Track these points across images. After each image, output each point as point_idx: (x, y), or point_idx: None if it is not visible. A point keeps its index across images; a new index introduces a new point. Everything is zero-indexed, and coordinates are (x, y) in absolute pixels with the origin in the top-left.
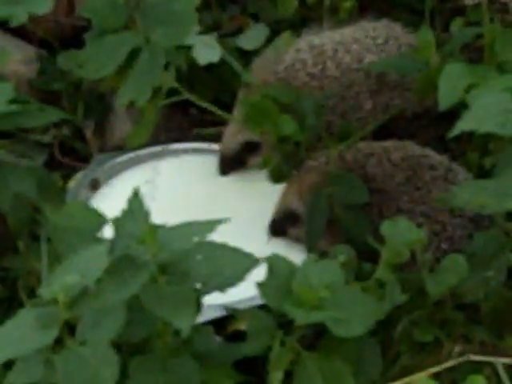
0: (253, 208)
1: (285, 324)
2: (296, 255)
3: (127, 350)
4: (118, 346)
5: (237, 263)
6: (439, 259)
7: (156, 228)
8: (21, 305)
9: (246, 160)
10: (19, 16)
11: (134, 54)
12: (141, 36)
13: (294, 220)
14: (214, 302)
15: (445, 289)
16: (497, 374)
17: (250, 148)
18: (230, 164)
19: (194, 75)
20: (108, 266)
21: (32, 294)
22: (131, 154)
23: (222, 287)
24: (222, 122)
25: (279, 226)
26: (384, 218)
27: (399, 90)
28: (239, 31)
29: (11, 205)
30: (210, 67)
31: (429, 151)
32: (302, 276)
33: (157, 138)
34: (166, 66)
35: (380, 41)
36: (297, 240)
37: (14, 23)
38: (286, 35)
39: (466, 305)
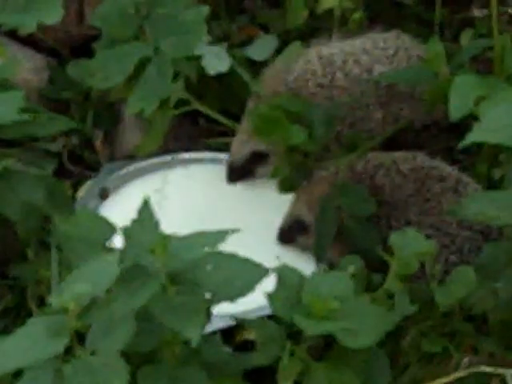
0: (262, 218)
1: (294, 334)
2: (305, 265)
3: (136, 359)
4: (127, 355)
5: (246, 273)
6: (448, 272)
7: (166, 238)
8: (29, 313)
9: (254, 170)
10: (29, 25)
11: (143, 64)
12: (150, 46)
13: (303, 229)
14: (223, 311)
15: (453, 300)
16: None
17: (258, 158)
18: (238, 174)
19: (203, 85)
20: (118, 276)
21: (41, 302)
22: (140, 164)
23: (231, 297)
24: (231, 132)
25: (288, 235)
26: (393, 230)
27: (408, 101)
28: (248, 42)
29: (20, 213)
30: (219, 77)
31: (438, 162)
32: (311, 287)
33: (166, 148)
34: (175, 76)
35: (390, 52)
36: (305, 248)
37: (23, 32)
38: (295, 46)
39: (474, 316)
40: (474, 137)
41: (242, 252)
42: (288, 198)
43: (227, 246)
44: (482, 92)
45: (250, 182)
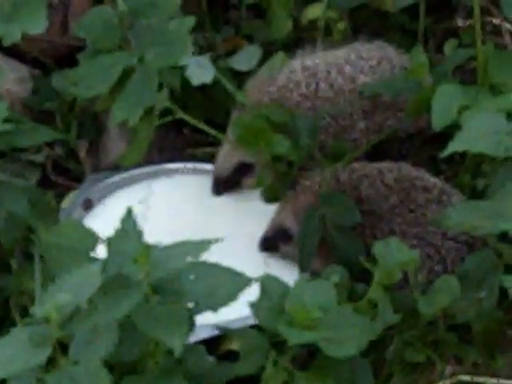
0: (246, 228)
1: (278, 344)
2: (289, 275)
3: (119, 369)
4: (110, 365)
5: (229, 283)
6: (432, 281)
7: (149, 248)
8: (13, 324)
9: (240, 181)
10: (13, 35)
11: (127, 74)
12: (134, 56)
13: (287, 238)
14: (207, 321)
15: (437, 309)
16: None
17: (244, 169)
18: (224, 185)
19: (187, 96)
20: (101, 286)
21: (25, 312)
22: (124, 174)
23: (214, 307)
24: (216, 142)
25: (271, 243)
26: (377, 240)
27: (392, 111)
28: (233, 52)
29: (4, 224)
30: (203, 88)
31: (423, 173)
32: (294, 296)
33: (150, 158)
34: (160, 86)
35: (373, 62)
36: (288, 257)
37: (7, 43)
38: (279, 56)
39: (458, 325)
40: (456, 146)
41: (228, 262)
42: (273, 208)
43: (213, 256)
44: (465, 101)
45: (235, 192)
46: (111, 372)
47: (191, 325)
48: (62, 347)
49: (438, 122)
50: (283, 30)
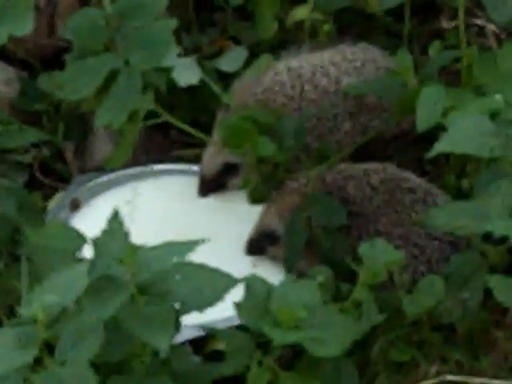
0: (232, 229)
1: (263, 344)
2: (276, 276)
3: (106, 369)
4: (96, 365)
5: (215, 283)
6: (417, 282)
7: (135, 248)
8: (0, 324)
9: (226, 182)
10: None
11: (113, 76)
12: (120, 58)
13: (273, 240)
14: (193, 321)
15: (421, 309)
16: None
17: (230, 170)
18: (210, 186)
19: (173, 97)
20: (87, 286)
21: (11, 313)
22: (111, 175)
23: (200, 307)
24: (202, 144)
25: (258, 245)
26: (362, 240)
27: (377, 112)
28: (219, 54)
29: None
30: (189, 89)
31: (408, 174)
32: (279, 296)
33: (137, 159)
34: (146, 88)
35: (357, 64)
36: (275, 258)
37: None
38: (265, 58)
39: (442, 325)
40: (441, 147)
41: (213, 263)
42: (258, 209)
43: (200, 257)
44: (450, 103)
45: (222, 193)
46: (98, 372)
47: (177, 325)
48: (49, 348)
49: (422, 123)
50: (269, 32)
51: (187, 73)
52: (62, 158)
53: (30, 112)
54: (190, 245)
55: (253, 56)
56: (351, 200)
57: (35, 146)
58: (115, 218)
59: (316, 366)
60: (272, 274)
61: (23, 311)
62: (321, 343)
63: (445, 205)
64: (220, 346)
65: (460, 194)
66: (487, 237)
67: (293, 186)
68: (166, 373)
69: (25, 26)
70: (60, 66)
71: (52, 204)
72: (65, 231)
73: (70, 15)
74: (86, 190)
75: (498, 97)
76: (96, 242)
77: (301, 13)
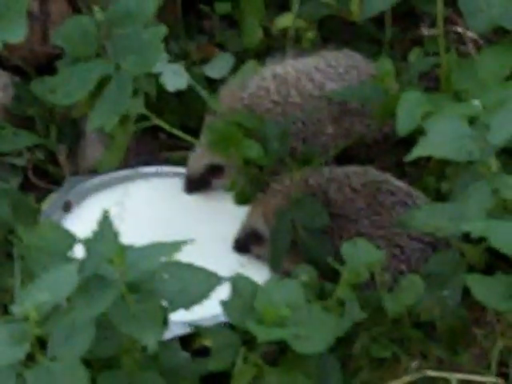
0: (221, 229)
1: (248, 341)
2: (263, 275)
3: (97, 365)
4: (87, 361)
5: (202, 282)
6: (398, 281)
7: (125, 248)
8: None
9: (210, 181)
10: None
11: (104, 81)
12: (111, 64)
13: (258, 239)
14: (181, 319)
15: (402, 307)
16: None
17: (214, 170)
18: (195, 185)
19: (162, 102)
20: (78, 285)
21: (5, 310)
22: (102, 177)
23: (187, 305)
24: (190, 147)
25: (243, 245)
26: (345, 241)
27: (360, 117)
28: (206, 60)
29: None
30: (178, 94)
31: (389, 177)
32: (264, 295)
33: (127, 162)
34: (136, 93)
35: (341, 70)
36: (260, 258)
37: None
38: (251, 64)
39: (422, 323)
40: (420, 151)
41: (200, 262)
42: (245, 210)
43: (189, 257)
44: (429, 108)
45: (209, 195)
46: (88, 368)
47: (165, 322)
48: (41, 344)
49: (403, 127)
50: (254, 39)
51: (176, 78)
52: (55, 161)
53: (24, 116)
54: (177, 245)
55: (239, 62)
56: (333, 202)
57: (29, 149)
58: (105, 219)
59: (300, 361)
60: (259, 273)
61: (16, 309)
62: (304, 340)
63: (424, 206)
64: (207, 342)
65: (439, 196)
66: (465, 237)
67: (277, 188)
68: (155, 368)
69: (18, 33)
70: (53, 71)
71: (45, 205)
72: (57, 232)
73: (62, 23)
74: (78, 192)
75: (476, 102)
76: (87, 242)
77: (285, 21)
